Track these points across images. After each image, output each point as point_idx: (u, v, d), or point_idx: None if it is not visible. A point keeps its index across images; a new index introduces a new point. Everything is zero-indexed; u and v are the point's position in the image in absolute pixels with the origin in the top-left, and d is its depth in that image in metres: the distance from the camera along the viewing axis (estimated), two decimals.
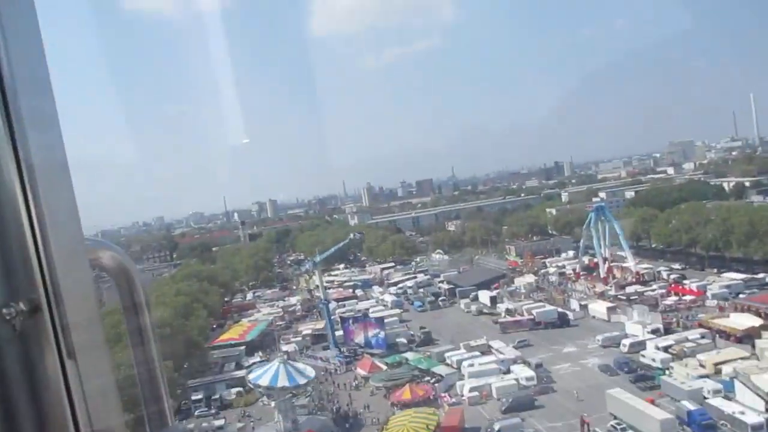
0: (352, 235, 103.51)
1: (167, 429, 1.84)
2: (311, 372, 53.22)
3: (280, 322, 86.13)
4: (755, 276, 75.16)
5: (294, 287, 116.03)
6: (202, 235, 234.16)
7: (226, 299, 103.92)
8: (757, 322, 56.47)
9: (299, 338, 76.06)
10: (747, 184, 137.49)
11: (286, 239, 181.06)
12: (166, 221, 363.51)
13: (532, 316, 71.34)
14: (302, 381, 49.59)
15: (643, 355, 54.78)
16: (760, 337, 53.32)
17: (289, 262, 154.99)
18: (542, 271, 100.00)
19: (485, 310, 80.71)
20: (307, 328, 79.97)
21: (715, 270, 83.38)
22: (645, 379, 50.16)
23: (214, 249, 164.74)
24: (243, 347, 72.27)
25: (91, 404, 1.58)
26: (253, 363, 65.93)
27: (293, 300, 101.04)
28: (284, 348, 70.10)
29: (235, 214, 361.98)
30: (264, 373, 49.97)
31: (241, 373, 62.59)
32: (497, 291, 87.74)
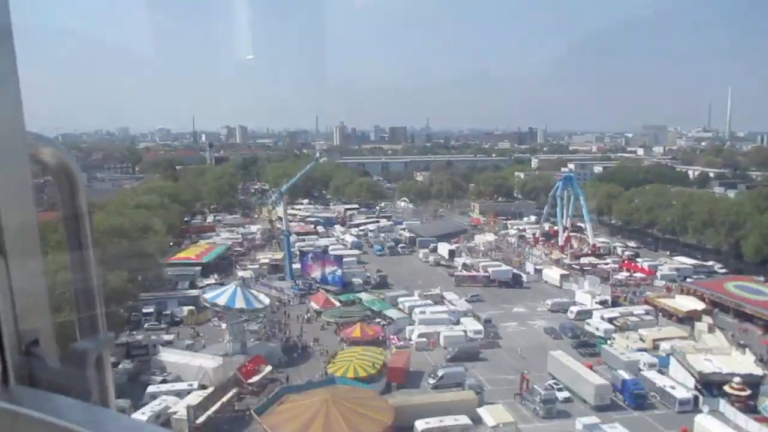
0: (318, 154, 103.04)
1: (98, 336, 1.75)
2: (266, 299, 53.69)
3: (239, 248, 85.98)
4: (705, 263, 77.92)
5: (255, 216, 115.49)
6: (167, 152, 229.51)
7: (186, 219, 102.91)
8: (699, 305, 58.91)
9: (256, 266, 76.14)
10: (711, 174, 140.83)
11: (252, 167, 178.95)
12: (131, 133, 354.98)
13: (487, 274, 72.72)
14: (258, 306, 50.03)
15: (588, 324, 56.62)
16: (700, 320, 55.80)
17: (253, 190, 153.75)
18: (503, 231, 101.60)
19: (443, 262, 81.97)
20: (264, 257, 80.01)
21: (668, 252, 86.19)
22: (586, 346, 52.00)
23: (178, 167, 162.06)
24: (199, 268, 72.03)
25: (19, 303, 1.52)
26: (208, 284, 66.20)
27: (253, 228, 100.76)
28: (240, 274, 70.33)
29: (203, 136, 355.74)
30: (220, 294, 50.30)
31: (194, 292, 62.78)
32: (457, 245, 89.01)
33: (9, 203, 1.51)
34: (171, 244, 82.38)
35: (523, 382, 43.06)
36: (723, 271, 75.45)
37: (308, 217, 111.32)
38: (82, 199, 1.80)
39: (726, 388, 41.30)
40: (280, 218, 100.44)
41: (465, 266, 77.45)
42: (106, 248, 49.94)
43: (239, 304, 48.12)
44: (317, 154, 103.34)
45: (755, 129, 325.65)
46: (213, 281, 67.89)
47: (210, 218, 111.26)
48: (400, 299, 62.74)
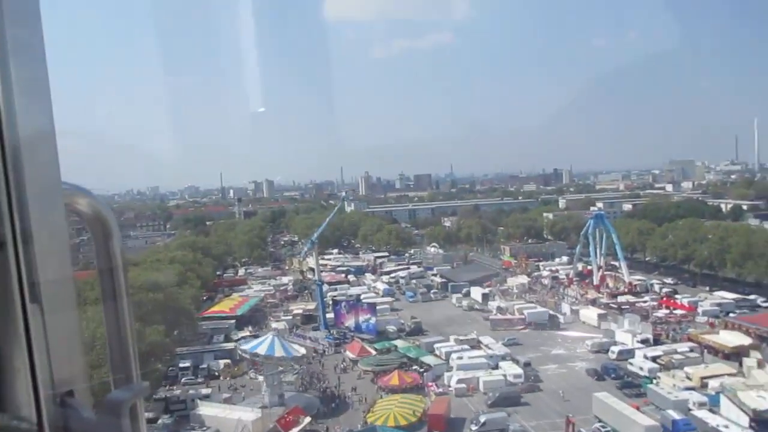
0: (343, 193, 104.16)
1: (131, 386, 1.74)
2: (302, 349, 53.59)
3: (271, 300, 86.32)
4: (747, 297, 75.80)
5: (286, 267, 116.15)
6: (197, 209, 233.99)
7: (218, 273, 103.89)
8: (746, 340, 56.95)
9: (289, 317, 76.14)
10: (744, 207, 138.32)
11: (281, 219, 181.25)
12: (161, 191, 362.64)
13: (523, 316, 71.70)
14: (296, 354, 50.03)
15: (631, 363, 55.11)
16: (748, 355, 53.76)
17: (282, 242, 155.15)
18: (535, 273, 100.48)
19: (476, 306, 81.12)
20: (297, 308, 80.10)
21: (707, 288, 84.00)
22: (631, 387, 50.54)
23: (208, 223, 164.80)
24: (233, 321, 72.36)
25: (54, 355, 1.48)
26: (243, 336, 66.29)
27: (285, 280, 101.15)
28: (274, 325, 70.27)
29: (231, 191, 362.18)
30: (257, 345, 50.34)
31: (230, 345, 63.02)
32: (489, 289, 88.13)
33: (45, 253, 1.48)
34: (204, 298, 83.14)
35: (569, 426, 41.86)
36: (766, 304, 73.33)
37: (338, 266, 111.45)
38: (117, 250, 1.79)
39: None
40: (311, 269, 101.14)
41: (500, 309, 76.43)
42: (141, 302, 50.45)
43: (278, 353, 48.07)
44: (343, 193, 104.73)
45: None
46: (248, 333, 68.00)
47: (241, 271, 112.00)
48: (436, 345, 61.98)
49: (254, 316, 76.80)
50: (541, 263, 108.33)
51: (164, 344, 48.66)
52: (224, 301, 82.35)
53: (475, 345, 62.59)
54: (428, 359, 58.26)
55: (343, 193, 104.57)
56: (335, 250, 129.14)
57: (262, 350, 48.76)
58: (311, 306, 79.26)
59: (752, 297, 75.87)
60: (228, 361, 58.60)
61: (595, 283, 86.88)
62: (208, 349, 62.59)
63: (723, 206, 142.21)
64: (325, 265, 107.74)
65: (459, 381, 51.95)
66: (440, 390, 51.47)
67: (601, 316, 70.33)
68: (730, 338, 58.21)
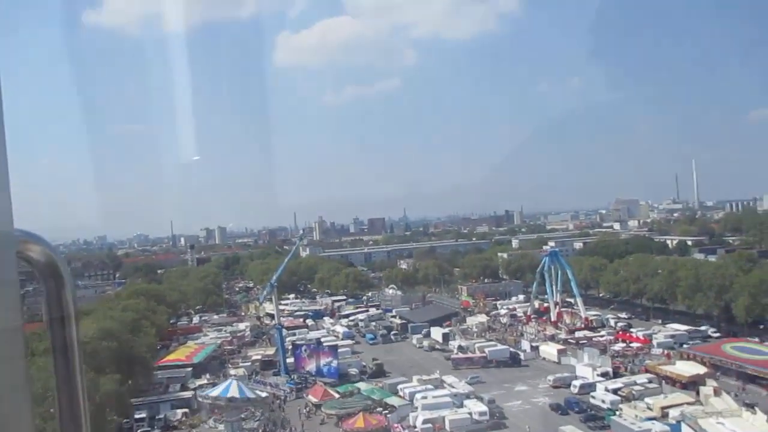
0: (301, 231, 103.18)
1: None
2: (262, 393, 52.32)
3: (229, 347, 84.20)
4: (698, 328, 78.20)
5: (243, 314, 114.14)
6: (147, 257, 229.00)
7: (171, 321, 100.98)
8: (701, 370, 58.49)
9: (248, 363, 74.31)
10: (689, 242, 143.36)
11: (235, 266, 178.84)
12: (109, 241, 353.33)
13: (484, 354, 71.76)
14: (260, 396, 48.90)
15: (593, 396, 55.65)
16: (704, 384, 55.11)
17: (237, 288, 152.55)
18: (493, 312, 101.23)
19: (437, 346, 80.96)
20: (256, 354, 78.28)
21: (660, 321, 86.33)
22: (595, 419, 50.89)
23: (159, 271, 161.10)
24: (189, 369, 70.09)
25: (2, 408, 1.45)
26: (201, 384, 64.26)
27: (242, 326, 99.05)
28: (233, 372, 68.53)
29: (182, 239, 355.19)
30: (219, 390, 48.96)
31: (187, 393, 60.98)
32: (449, 328, 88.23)
33: None
34: (159, 347, 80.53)
35: None
36: (717, 335, 75.63)
37: (296, 311, 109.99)
38: (70, 299, 1.73)
39: None
40: (268, 314, 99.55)
41: (461, 348, 76.36)
42: (95, 351, 48.55)
43: (238, 394, 46.81)
44: (301, 231, 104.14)
45: (722, 197, 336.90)
46: (206, 381, 65.97)
47: (196, 319, 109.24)
48: (399, 386, 61.27)
49: (211, 364, 74.67)
50: (498, 302, 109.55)
51: (119, 394, 46.65)
52: (180, 349, 79.86)
53: (439, 385, 62.07)
54: (392, 400, 57.48)
55: (301, 231, 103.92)
56: (292, 295, 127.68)
57: (220, 394, 47.34)
58: (270, 351, 77.69)
59: (703, 328, 78.44)
60: (186, 410, 56.55)
61: (552, 319, 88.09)
62: (165, 399, 60.28)
63: (669, 242, 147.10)
64: (283, 310, 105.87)
65: (425, 421, 51.34)
66: (406, 431, 50.77)
67: (561, 352, 71.19)
68: (686, 368, 59.64)
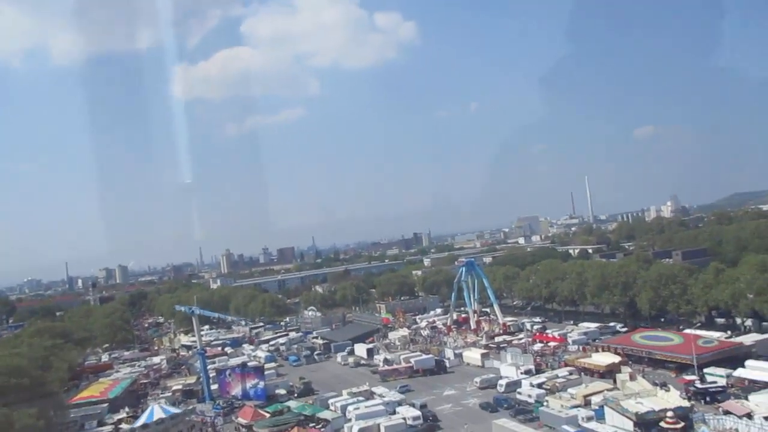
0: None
1: None
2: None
3: (145, 380, 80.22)
4: (607, 325, 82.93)
5: (156, 348, 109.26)
6: (43, 300, 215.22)
7: (79, 361, 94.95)
8: (616, 359, 61.93)
9: (168, 393, 71.24)
10: (590, 250, 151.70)
11: (142, 302, 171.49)
12: None
13: (410, 365, 72.46)
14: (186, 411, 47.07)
15: (520, 392, 57.49)
16: (620, 371, 58.33)
17: (147, 324, 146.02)
18: (414, 326, 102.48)
19: (362, 362, 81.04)
20: (176, 384, 75.13)
21: (572, 322, 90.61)
22: (524, 413, 52.39)
23: (58, 313, 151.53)
24: (105, 405, 66.10)
25: None
26: (120, 419, 60.83)
27: (156, 359, 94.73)
28: (153, 404, 65.22)
29: (79, 280, 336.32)
30: (144, 417, 46.65)
31: (106, 429, 57.55)
32: (373, 344, 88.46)
33: None
34: (66, 388, 75.57)
35: None
36: (624, 330, 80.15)
37: (213, 341, 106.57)
38: None
39: (662, 423, 43.03)
40: (183, 346, 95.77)
41: (386, 361, 76.69)
42: (5, 388, 45.30)
43: (164, 414, 44.95)
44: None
45: (613, 211, 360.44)
46: (125, 415, 62.42)
47: (105, 357, 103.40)
48: (330, 400, 60.73)
49: (129, 398, 70.83)
50: (417, 316, 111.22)
51: (37, 428, 43.45)
52: (93, 385, 75.27)
53: (369, 396, 62.04)
54: (325, 414, 56.73)
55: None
56: (206, 326, 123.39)
57: (149, 420, 45.21)
58: (191, 380, 74.99)
59: (612, 324, 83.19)
60: None
61: (472, 327, 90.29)
62: None
63: (571, 251, 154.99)
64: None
65: (360, 430, 51.03)
66: None
67: (484, 356, 73.11)
68: (603, 359, 62.94)
